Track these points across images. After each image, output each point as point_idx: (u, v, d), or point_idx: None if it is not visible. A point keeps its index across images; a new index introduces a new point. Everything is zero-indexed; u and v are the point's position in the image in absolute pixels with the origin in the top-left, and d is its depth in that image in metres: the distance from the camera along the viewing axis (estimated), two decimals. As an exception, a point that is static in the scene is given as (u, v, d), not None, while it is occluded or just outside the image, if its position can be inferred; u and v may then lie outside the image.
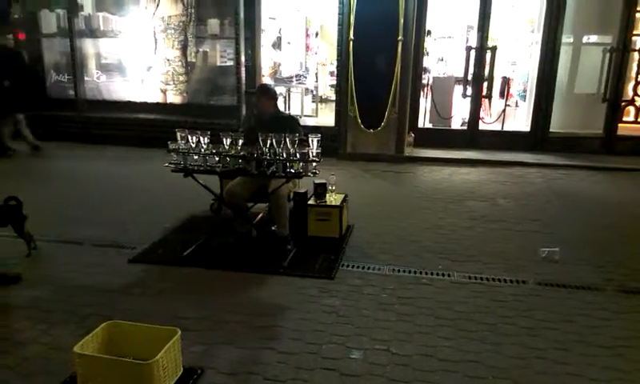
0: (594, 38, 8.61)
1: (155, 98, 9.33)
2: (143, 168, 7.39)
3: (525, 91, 10.10)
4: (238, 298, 3.54)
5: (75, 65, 9.23)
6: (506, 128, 9.03)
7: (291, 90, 10.73)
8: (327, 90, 13.15)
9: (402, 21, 7.52)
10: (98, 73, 9.49)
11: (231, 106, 8.78)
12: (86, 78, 9.47)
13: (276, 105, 4.57)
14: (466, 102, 8.78)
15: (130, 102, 9.35)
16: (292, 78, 10.73)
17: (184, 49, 9.03)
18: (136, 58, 9.25)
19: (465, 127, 8.95)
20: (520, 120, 9.68)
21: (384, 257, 4.25)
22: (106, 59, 9.46)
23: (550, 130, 8.48)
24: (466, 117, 8.91)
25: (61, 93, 9.53)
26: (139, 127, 8.93)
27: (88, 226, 4.92)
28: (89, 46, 9.40)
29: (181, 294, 3.60)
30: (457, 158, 7.96)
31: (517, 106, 11.25)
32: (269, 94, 4.48)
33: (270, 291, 3.66)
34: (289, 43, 11.73)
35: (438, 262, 4.17)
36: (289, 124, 4.36)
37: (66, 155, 8.12)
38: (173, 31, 8.99)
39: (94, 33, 9.33)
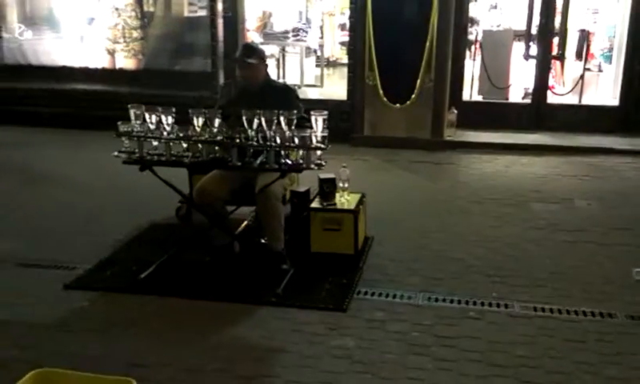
0: None
1: (100, 62, 9.38)
2: (84, 158, 7.42)
3: (611, 50, 10.08)
4: (214, 338, 3.54)
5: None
6: (586, 101, 9.01)
7: (286, 49, 10.76)
8: (336, 49, 13.17)
9: (440, -48, 7.53)
10: (20, 28, 9.55)
11: (204, 72, 8.82)
12: (4, 35, 9.54)
13: (267, 71, 4.59)
14: (530, 65, 8.77)
15: (64, 67, 9.40)
16: (288, 33, 10.75)
17: (139, -7, 9.06)
18: (73, 6, 9.29)
19: (528, 100, 8.94)
20: (605, 90, 9.66)
21: (415, 280, 4.25)
22: (32, 9, 9.52)
23: (649, 103, 8.47)
24: (530, 86, 8.90)
25: (-32, 55, 9.60)
26: (77, 102, 8.98)
27: (9, 237, 4.93)
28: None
29: (137, 332, 3.61)
30: (517, 144, 7.95)
31: (600, 70, 11.23)
32: (257, 55, 4.49)
33: (258, 328, 3.66)
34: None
35: (491, 288, 4.16)
36: (284, 97, 4.36)
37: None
38: (124, -31, 9.03)
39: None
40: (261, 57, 4.52)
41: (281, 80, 9.46)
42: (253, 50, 4.51)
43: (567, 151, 7.73)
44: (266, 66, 4.57)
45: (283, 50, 10.80)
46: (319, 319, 3.73)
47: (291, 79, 9.91)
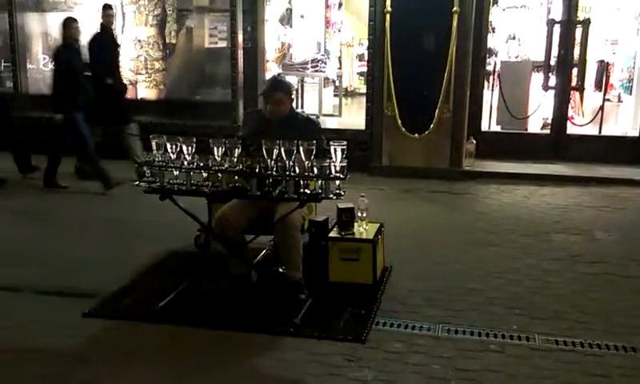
0: None
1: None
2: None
3: (630, 81, 10.04)
4: (231, 368, 3.53)
5: (15, 48, 9.48)
6: (605, 132, 8.95)
7: (305, 80, 10.85)
8: (355, 79, 13.26)
9: (458, -15, 7.59)
10: (45, 58, 9.73)
11: (224, 102, 8.90)
12: (29, 66, 9.72)
13: (292, 104, 4.61)
14: (549, 95, 8.75)
15: (87, 97, 9.52)
16: (306, 63, 10.84)
17: (161, 26, 9.24)
18: (97, 38, 9.45)
19: (547, 131, 8.91)
20: (624, 121, 9.59)
21: (435, 312, 4.21)
22: (56, 40, 9.68)
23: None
24: (549, 116, 8.88)
25: (-4, 85, 9.79)
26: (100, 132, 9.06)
27: (29, 265, 4.98)
28: (33, 22, 9.66)
29: (154, 362, 3.60)
30: (536, 174, 7.91)
31: (619, 101, 11.17)
32: (284, 89, 4.52)
33: (275, 358, 3.64)
34: (302, 17, 11.89)
35: (512, 320, 4.11)
36: (306, 129, 4.38)
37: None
38: (146, 3, 9.19)
39: (40, 5, 9.61)
40: (288, 91, 4.55)
41: (303, 111, 9.51)
42: (281, 85, 4.54)
43: (587, 182, 7.68)
44: (292, 99, 4.60)
45: (302, 80, 10.89)
46: (337, 350, 3.70)
47: (309, 109, 9.98)
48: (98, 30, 7.74)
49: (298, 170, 3.82)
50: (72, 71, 7.12)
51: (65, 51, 7.21)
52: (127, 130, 7.80)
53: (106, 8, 7.80)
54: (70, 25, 7.23)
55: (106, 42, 7.76)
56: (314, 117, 4.63)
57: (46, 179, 7.43)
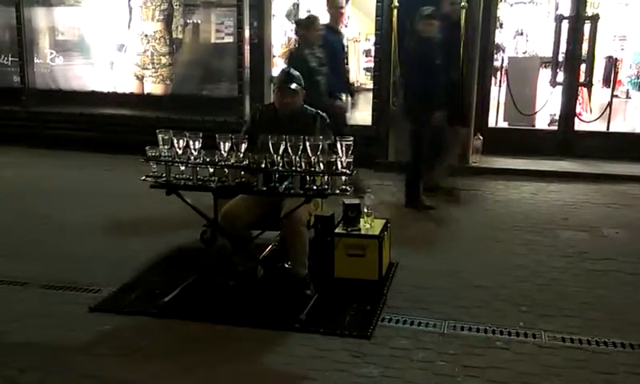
0: None
1: (129, 87, 9.53)
2: (111, 182, 7.51)
3: (639, 77, 9.98)
4: (236, 364, 3.53)
5: (22, 42, 9.50)
6: (614, 128, 8.91)
7: (312, 75, 10.79)
8: (361, 75, 13.22)
9: (465, -20, 7.56)
10: (52, 53, 9.75)
11: (230, 97, 8.90)
12: (36, 61, 9.75)
13: (302, 99, 4.59)
14: (556, 92, 8.71)
15: (94, 92, 9.58)
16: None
17: (168, 21, 9.23)
18: (104, 33, 9.48)
19: (554, 127, 8.87)
20: (633, 117, 9.54)
21: (441, 308, 4.20)
22: (63, 35, 9.73)
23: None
24: (556, 113, 8.83)
25: (2, 80, 9.82)
26: (107, 127, 9.13)
27: (35, 260, 5.00)
28: (41, 16, 9.68)
29: (160, 357, 3.61)
30: (543, 171, 7.88)
31: (628, 97, 11.11)
32: (297, 81, 4.50)
33: (281, 354, 3.64)
34: (309, 12, 11.86)
35: (518, 317, 4.09)
36: (315, 124, 4.37)
37: (5, 163, 8.32)
38: (153, -3, 9.20)
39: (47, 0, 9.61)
40: (300, 84, 4.54)
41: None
42: (295, 77, 4.52)
43: (595, 179, 7.64)
44: (304, 93, 4.58)
45: (308, 75, 10.86)
46: (343, 346, 3.70)
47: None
48: None
49: (304, 165, 3.81)
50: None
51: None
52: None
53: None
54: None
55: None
56: (323, 112, 4.59)
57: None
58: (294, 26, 7.26)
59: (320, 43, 6.59)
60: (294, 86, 4.41)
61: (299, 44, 6.78)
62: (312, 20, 6.72)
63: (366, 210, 4.67)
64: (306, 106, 4.54)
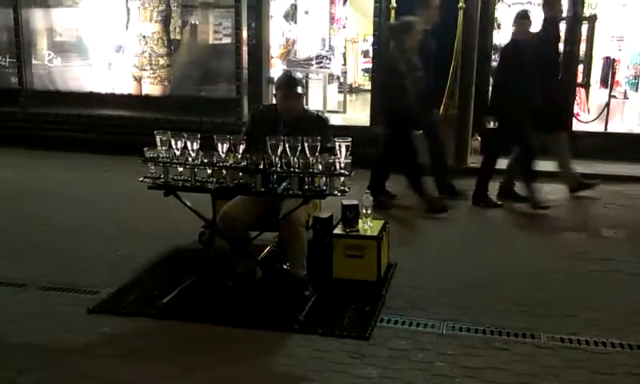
0: None
1: (127, 88, 9.52)
2: (109, 183, 7.50)
3: (637, 77, 10.00)
4: (235, 365, 3.52)
5: (20, 43, 9.50)
6: (611, 129, 8.91)
7: (310, 76, 10.83)
8: (359, 76, 13.24)
9: (463, -19, 7.56)
10: (50, 54, 9.74)
11: (228, 98, 8.90)
12: (34, 62, 9.75)
13: (304, 102, 4.57)
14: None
15: (92, 93, 9.57)
16: (311, 60, 10.85)
17: (165, 22, 9.23)
18: (101, 34, 9.47)
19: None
20: (630, 117, 9.55)
21: (440, 309, 4.20)
22: (61, 36, 9.72)
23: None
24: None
25: (0, 81, 9.82)
26: (105, 128, 9.11)
27: (33, 261, 4.99)
28: (38, 17, 9.67)
29: (160, 358, 3.60)
30: (541, 171, 7.84)
31: (625, 97, 11.12)
32: (300, 85, 4.49)
33: (279, 355, 3.64)
34: (307, 13, 11.88)
35: (517, 318, 4.09)
36: (317, 125, 4.35)
37: (3, 165, 8.31)
38: (151, -2, 9.19)
39: (45, 1, 9.60)
40: (302, 87, 4.54)
41: (309, 108, 9.52)
42: (296, 81, 4.50)
43: (592, 179, 7.62)
44: (305, 96, 4.56)
45: (306, 76, 10.87)
46: (341, 347, 3.69)
47: (314, 105, 9.96)
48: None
49: (302, 166, 3.81)
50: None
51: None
52: None
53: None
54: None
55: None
56: (323, 113, 4.59)
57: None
58: (388, 30, 6.80)
59: (417, 48, 6.34)
60: (296, 90, 4.40)
61: (392, 48, 6.50)
62: (411, 25, 6.37)
63: (364, 212, 4.66)
64: (306, 107, 4.54)
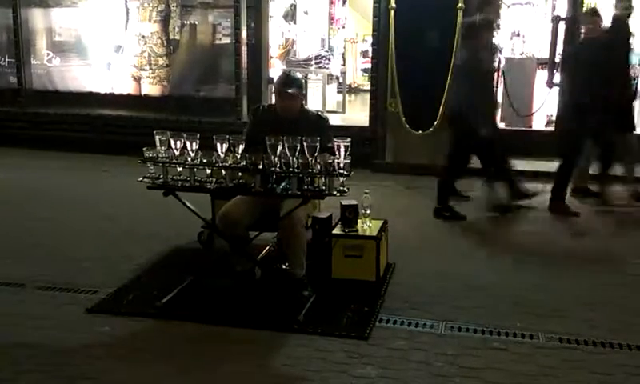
0: None
1: (126, 88, 9.52)
2: (108, 183, 7.51)
3: (636, 79, 9.96)
4: (234, 365, 3.53)
5: (19, 43, 9.50)
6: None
7: (309, 76, 10.84)
8: (358, 76, 13.25)
9: (462, -19, 7.57)
10: (49, 54, 9.74)
11: (228, 98, 8.90)
12: (33, 62, 9.75)
13: (303, 100, 4.57)
14: (553, 93, 8.70)
15: (91, 93, 9.57)
16: (310, 60, 10.85)
17: (165, 22, 9.23)
18: (101, 34, 9.47)
19: (552, 128, 8.86)
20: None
21: (438, 309, 4.20)
22: (60, 36, 9.72)
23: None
24: (553, 114, 8.82)
25: None
26: (104, 128, 9.11)
27: (32, 261, 4.99)
28: (37, 17, 9.67)
29: (159, 358, 3.60)
30: (540, 171, 7.86)
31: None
32: (297, 85, 4.49)
33: (279, 355, 3.64)
34: (306, 13, 11.89)
35: (516, 318, 4.09)
36: (317, 125, 4.36)
37: (2, 165, 8.31)
38: (150, -2, 9.19)
39: (44, 1, 9.60)
40: (300, 87, 4.54)
41: (309, 108, 9.54)
42: (294, 81, 4.51)
43: (592, 179, 7.62)
44: (304, 95, 4.56)
45: (306, 76, 10.88)
46: (340, 347, 3.70)
47: (313, 105, 9.97)
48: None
49: (301, 166, 3.81)
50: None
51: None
52: None
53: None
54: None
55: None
56: (323, 113, 4.59)
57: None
58: (468, 29, 6.49)
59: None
60: (293, 90, 4.40)
61: (471, 47, 6.26)
62: (491, 21, 6.29)
63: (364, 211, 4.67)
64: (306, 107, 4.54)
